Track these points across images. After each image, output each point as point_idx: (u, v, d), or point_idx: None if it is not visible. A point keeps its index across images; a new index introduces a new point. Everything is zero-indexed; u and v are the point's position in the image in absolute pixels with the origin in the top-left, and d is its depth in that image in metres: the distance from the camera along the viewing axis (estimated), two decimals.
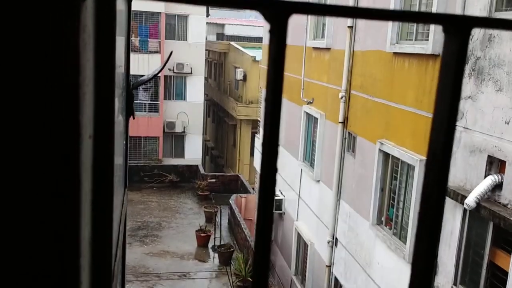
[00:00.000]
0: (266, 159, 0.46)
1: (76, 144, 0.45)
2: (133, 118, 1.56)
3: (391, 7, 9.01)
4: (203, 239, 18.82)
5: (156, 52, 26.61)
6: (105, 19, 0.58)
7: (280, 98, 0.48)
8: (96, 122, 0.60)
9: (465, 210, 6.83)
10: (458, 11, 7.20)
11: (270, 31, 0.46)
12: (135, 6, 27.42)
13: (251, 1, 0.46)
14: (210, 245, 18.87)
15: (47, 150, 0.44)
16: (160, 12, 26.31)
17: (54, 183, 0.45)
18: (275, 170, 0.48)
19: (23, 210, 0.45)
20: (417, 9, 8.53)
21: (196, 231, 19.07)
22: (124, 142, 1.51)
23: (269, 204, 0.49)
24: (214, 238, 18.74)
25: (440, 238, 7.41)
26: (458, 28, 0.50)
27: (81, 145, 0.47)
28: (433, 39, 7.77)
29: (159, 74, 26.45)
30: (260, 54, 18.16)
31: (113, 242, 0.91)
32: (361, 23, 10.46)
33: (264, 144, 0.48)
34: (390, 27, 9.07)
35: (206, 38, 29.71)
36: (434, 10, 7.75)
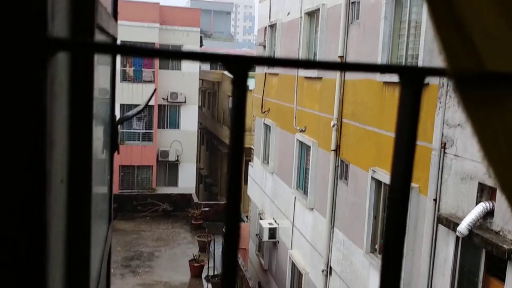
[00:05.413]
0: (231, 193, 0.48)
1: (42, 189, 0.46)
2: (118, 153, 1.57)
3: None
4: (196, 269, 18.60)
5: (150, 81, 26.80)
6: (81, 71, 0.60)
7: (242, 141, 0.51)
8: (71, 167, 0.62)
9: (457, 237, 6.82)
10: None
11: (233, 82, 0.50)
12: (129, 37, 27.58)
13: (216, 56, 0.49)
14: (203, 275, 18.64)
15: (10, 195, 0.46)
16: (154, 43, 26.60)
17: (19, 226, 0.46)
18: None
19: None
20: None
21: (189, 261, 18.86)
22: (109, 177, 1.52)
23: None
24: (208, 268, 18.53)
25: (435, 266, 7.38)
26: (412, 78, 0.53)
27: (49, 189, 0.49)
28: None
29: (153, 103, 26.57)
30: (253, 83, 18.33)
31: (92, 280, 0.91)
32: (352, 53, 10.62)
33: (228, 187, 0.50)
34: (379, 56, 9.22)
35: (200, 68, 30.01)
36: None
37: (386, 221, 0.54)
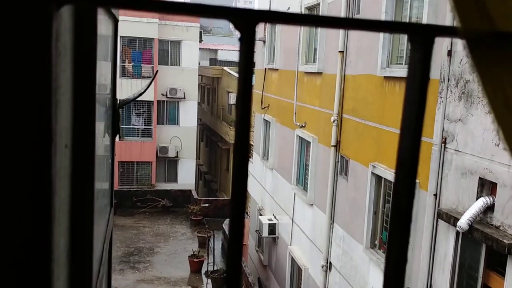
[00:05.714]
0: (237, 162, 0.47)
1: (48, 151, 0.46)
2: (119, 138, 1.56)
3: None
4: (196, 265, 18.62)
5: (150, 77, 26.76)
6: (84, 31, 0.59)
7: (250, 101, 0.50)
8: (74, 133, 0.61)
9: (458, 232, 6.82)
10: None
11: (240, 39, 0.49)
12: (128, 32, 27.56)
13: (221, 11, 0.48)
14: (203, 270, 18.65)
15: (16, 154, 0.45)
16: (154, 38, 26.56)
17: (23, 187, 0.46)
18: (245, 176, 0.49)
19: None
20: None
21: (189, 256, 18.87)
22: (110, 160, 1.51)
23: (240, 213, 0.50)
24: (208, 263, 18.55)
25: (434, 261, 7.39)
26: (422, 37, 0.52)
27: (55, 152, 0.48)
28: None
29: (152, 99, 26.54)
30: (253, 79, 18.32)
31: (95, 258, 0.90)
32: (352, 48, 10.60)
33: (235, 149, 0.49)
34: (380, 51, 9.20)
35: (199, 63, 29.97)
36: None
37: (392, 210, 0.53)
